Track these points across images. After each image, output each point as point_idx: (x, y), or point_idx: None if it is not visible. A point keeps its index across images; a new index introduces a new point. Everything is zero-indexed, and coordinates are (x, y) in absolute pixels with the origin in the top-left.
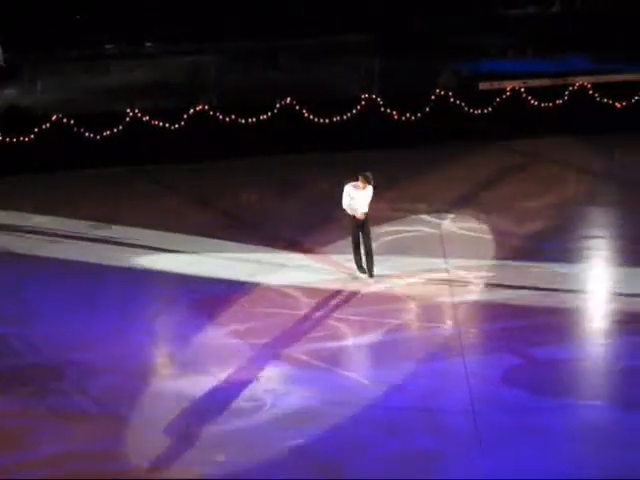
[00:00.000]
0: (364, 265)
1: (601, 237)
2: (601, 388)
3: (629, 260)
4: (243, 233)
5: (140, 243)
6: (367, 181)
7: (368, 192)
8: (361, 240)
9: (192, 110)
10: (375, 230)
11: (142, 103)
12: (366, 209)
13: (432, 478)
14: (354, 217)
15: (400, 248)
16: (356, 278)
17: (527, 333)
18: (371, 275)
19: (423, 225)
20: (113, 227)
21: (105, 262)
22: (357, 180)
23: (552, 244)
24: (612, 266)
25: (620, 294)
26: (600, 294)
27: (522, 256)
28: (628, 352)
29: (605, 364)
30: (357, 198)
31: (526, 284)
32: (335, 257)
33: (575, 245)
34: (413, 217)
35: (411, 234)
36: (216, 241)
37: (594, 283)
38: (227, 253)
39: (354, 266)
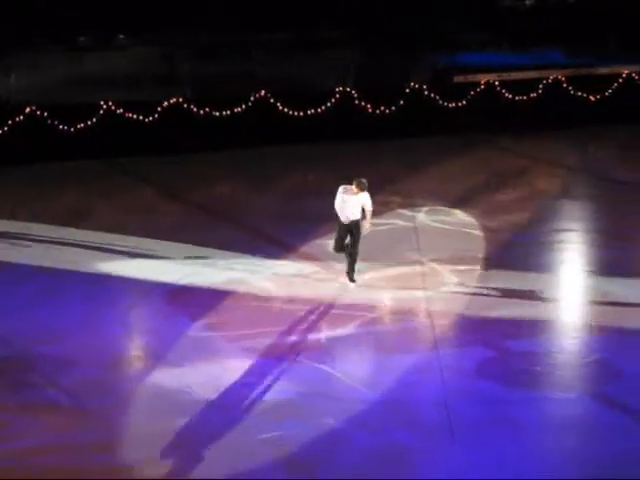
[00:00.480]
0: (347, 268)
1: (574, 230)
2: (573, 381)
3: (602, 253)
4: (218, 227)
5: (109, 247)
6: (361, 187)
7: (360, 198)
8: (347, 243)
9: (166, 103)
10: None
11: (116, 95)
12: (357, 216)
13: (406, 471)
14: (343, 222)
15: (374, 241)
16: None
17: (501, 325)
18: (352, 280)
19: (397, 218)
20: (82, 229)
21: (72, 267)
22: (351, 184)
23: (525, 237)
24: (585, 259)
25: (593, 287)
26: (573, 287)
27: (495, 249)
28: (600, 345)
29: (577, 357)
30: (349, 202)
31: (499, 277)
32: (310, 250)
33: (548, 238)
34: (387, 210)
35: (385, 227)
36: (189, 239)
37: (567, 276)
38: (198, 248)
39: (328, 258)
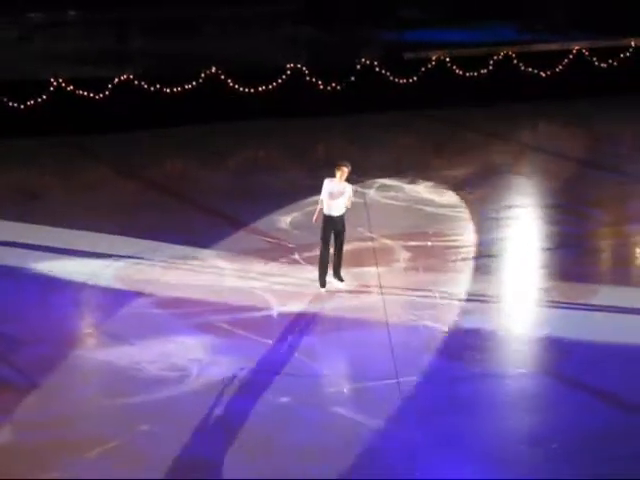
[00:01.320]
0: (329, 270)
1: (525, 206)
2: (525, 357)
3: (553, 229)
4: (169, 204)
5: (59, 226)
6: (344, 171)
7: (345, 188)
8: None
9: (117, 79)
10: (300, 201)
11: (66, 72)
12: (343, 210)
13: (356, 447)
14: (329, 216)
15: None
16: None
17: (452, 301)
18: (340, 279)
19: None
20: (33, 207)
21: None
22: (337, 171)
23: (475, 212)
24: (536, 234)
25: (543, 262)
26: (524, 261)
27: (445, 224)
28: (551, 322)
29: (528, 333)
30: (335, 193)
31: (450, 253)
32: (262, 227)
33: (499, 214)
34: None
35: None
36: (141, 217)
37: (518, 252)
38: (151, 226)
39: (280, 235)
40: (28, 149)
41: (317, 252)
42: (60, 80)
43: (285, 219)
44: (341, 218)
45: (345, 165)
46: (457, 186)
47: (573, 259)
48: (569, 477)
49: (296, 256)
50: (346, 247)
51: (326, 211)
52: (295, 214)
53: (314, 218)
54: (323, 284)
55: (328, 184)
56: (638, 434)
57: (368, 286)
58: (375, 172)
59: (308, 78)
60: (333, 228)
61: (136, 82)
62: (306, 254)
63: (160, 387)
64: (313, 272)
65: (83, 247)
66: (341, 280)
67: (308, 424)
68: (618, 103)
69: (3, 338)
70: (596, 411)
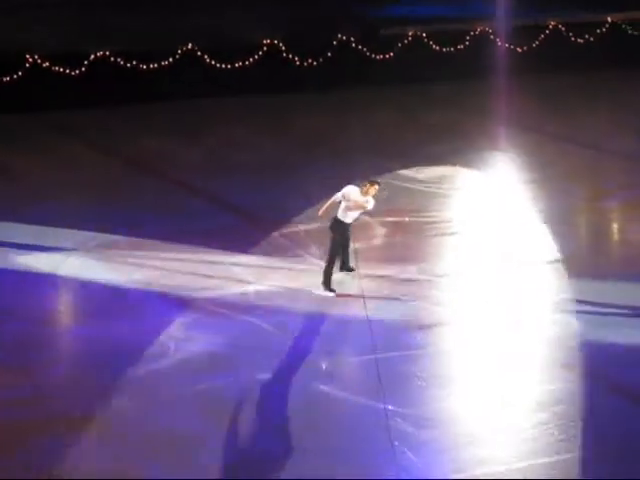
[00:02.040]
0: (336, 270)
1: (502, 181)
2: (493, 328)
3: (532, 204)
4: (146, 180)
5: (36, 202)
6: (374, 188)
7: (367, 201)
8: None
9: (93, 56)
10: (278, 178)
11: (42, 48)
12: (351, 219)
13: (333, 421)
14: (341, 221)
15: (300, 194)
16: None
17: (428, 277)
18: (351, 269)
19: (328, 170)
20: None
21: None
22: (370, 185)
23: (454, 189)
24: (513, 209)
25: (521, 238)
26: (501, 237)
27: (423, 200)
28: (523, 296)
29: (503, 307)
30: (355, 204)
31: (428, 228)
32: (239, 203)
33: (477, 189)
34: (317, 162)
35: (310, 180)
36: (119, 193)
37: (494, 226)
38: (128, 202)
39: (257, 212)
40: (3, 126)
41: (295, 228)
42: (36, 56)
43: (263, 196)
44: (345, 224)
45: (378, 185)
46: (436, 162)
47: (550, 234)
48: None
49: (274, 233)
50: (325, 223)
51: (340, 216)
52: (273, 191)
53: (321, 211)
54: (326, 286)
55: (351, 191)
56: None
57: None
58: (353, 148)
59: (285, 54)
60: (332, 230)
61: (112, 59)
62: (283, 230)
63: (138, 363)
64: (290, 249)
65: (59, 225)
66: (332, 290)
67: (285, 399)
68: (594, 78)
69: None
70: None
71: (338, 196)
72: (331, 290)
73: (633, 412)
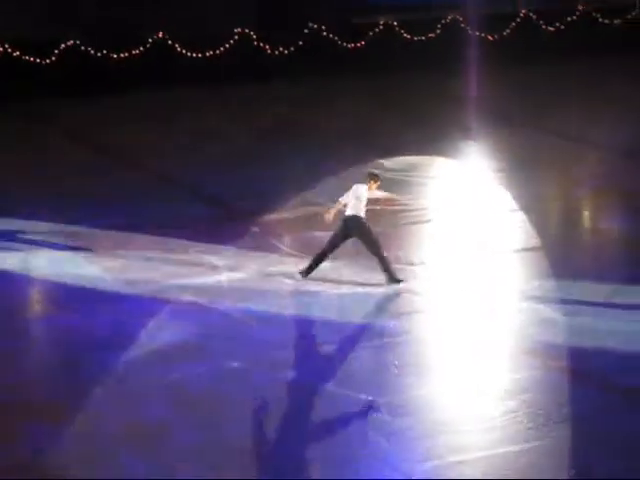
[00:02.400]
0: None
1: (472, 170)
2: (465, 317)
3: (499, 191)
4: (114, 169)
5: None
6: (376, 180)
7: (376, 194)
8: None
9: (63, 45)
10: (246, 167)
11: (12, 37)
12: (363, 213)
13: (305, 408)
14: (351, 216)
15: (272, 183)
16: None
17: (399, 265)
18: (397, 280)
19: (298, 160)
20: None
21: None
22: (372, 181)
23: (421, 176)
24: (484, 197)
25: (491, 226)
26: (472, 225)
27: (394, 190)
28: (494, 286)
29: (471, 295)
30: (363, 198)
31: (399, 216)
32: (209, 191)
33: (445, 178)
34: (286, 153)
35: (285, 169)
36: (93, 182)
37: (465, 214)
38: (102, 190)
39: (227, 201)
40: None
41: (263, 215)
42: (6, 45)
43: (235, 186)
44: (362, 220)
45: (379, 178)
46: (405, 151)
47: (521, 223)
48: None
49: (246, 222)
50: (295, 213)
51: (349, 212)
52: (246, 181)
53: (330, 216)
54: (304, 273)
55: (358, 189)
56: None
57: (317, 251)
58: (324, 137)
59: (256, 43)
60: (352, 231)
61: (83, 47)
62: (256, 220)
63: (110, 353)
64: (260, 238)
65: (29, 215)
66: (398, 281)
67: (257, 388)
68: (565, 66)
69: None
70: None
71: (348, 197)
72: (304, 274)
73: (601, 399)
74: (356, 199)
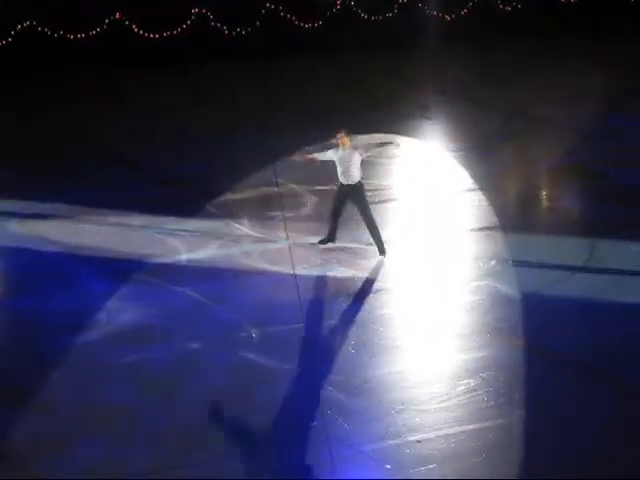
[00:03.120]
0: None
1: (434, 149)
2: (425, 294)
3: (461, 170)
4: (71, 150)
5: None
6: (345, 139)
7: (353, 156)
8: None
9: (19, 26)
10: (206, 147)
11: None
12: (358, 178)
13: (266, 390)
14: (346, 185)
15: (230, 164)
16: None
17: (359, 245)
18: (382, 252)
19: (255, 142)
20: None
21: None
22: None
23: (382, 156)
24: (446, 177)
25: (455, 205)
26: (434, 205)
27: None
28: (462, 262)
29: (435, 275)
30: (350, 160)
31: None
32: (165, 172)
33: (406, 158)
34: (242, 135)
35: (238, 151)
36: (51, 162)
37: (427, 194)
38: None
39: (186, 181)
40: None
41: (226, 197)
42: None
43: (190, 167)
44: (358, 186)
45: (345, 134)
46: (366, 131)
47: (479, 202)
48: None
49: (204, 203)
50: (255, 192)
51: (343, 181)
52: (201, 162)
53: (306, 158)
54: (323, 241)
55: (334, 154)
56: None
57: (275, 231)
58: (282, 118)
59: (213, 23)
60: (349, 197)
61: (39, 28)
62: (213, 201)
63: (69, 335)
64: (221, 219)
65: None
66: (383, 253)
67: (218, 369)
68: (522, 46)
69: None
70: None
71: (325, 157)
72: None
73: (561, 377)
74: (340, 165)
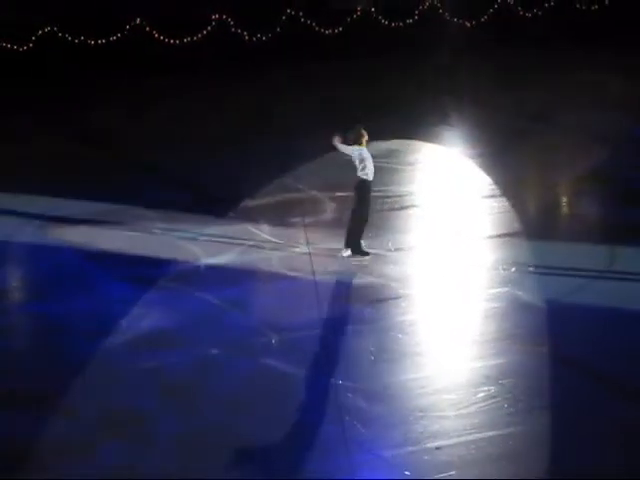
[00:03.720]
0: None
1: (450, 156)
2: (444, 303)
3: (479, 177)
4: (93, 156)
5: None
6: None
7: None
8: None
9: (40, 31)
10: (225, 154)
11: None
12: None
13: (281, 396)
14: (369, 181)
15: (251, 170)
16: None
17: (378, 251)
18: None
19: (276, 148)
20: None
21: None
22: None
23: (401, 163)
24: (462, 184)
25: (470, 212)
26: (451, 211)
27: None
28: (474, 271)
29: (454, 282)
30: (369, 159)
31: (378, 202)
32: (185, 177)
33: (426, 164)
34: (264, 142)
35: (258, 155)
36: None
37: (444, 200)
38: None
39: (207, 187)
40: None
41: (246, 202)
42: None
43: (210, 172)
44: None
45: (365, 131)
46: (384, 136)
47: (498, 208)
48: None
49: (223, 208)
50: (275, 198)
51: (370, 177)
52: (221, 167)
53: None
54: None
55: (356, 151)
56: None
57: (296, 237)
58: (300, 123)
59: (234, 29)
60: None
61: (60, 34)
62: (233, 206)
63: (89, 340)
64: (241, 224)
65: (9, 200)
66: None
67: (237, 376)
68: (543, 52)
69: None
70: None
71: (348, 150)
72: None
73: (583, 385)
74: (368, 161)
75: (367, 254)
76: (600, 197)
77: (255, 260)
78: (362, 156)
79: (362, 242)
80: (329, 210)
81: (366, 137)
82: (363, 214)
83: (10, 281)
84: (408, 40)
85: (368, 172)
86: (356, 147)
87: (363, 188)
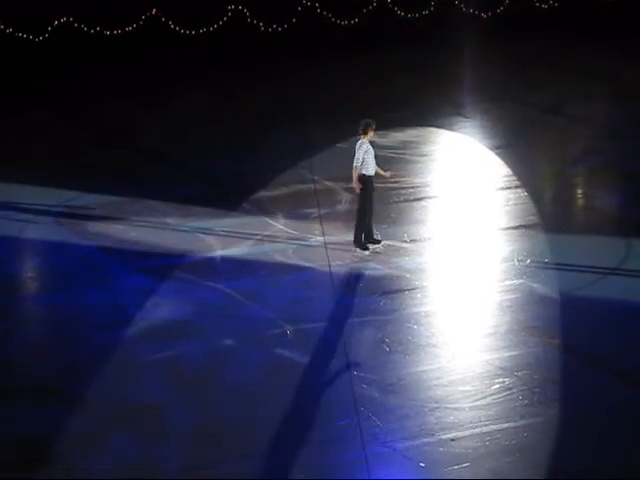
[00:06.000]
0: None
1: (468, 147)
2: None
3: (496, 170)
4: (111, 148)
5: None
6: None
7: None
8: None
9: (56, 22)
10: (240, 147)
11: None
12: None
13: (294, 386)
14: (370, 176)
15: (265, 161)
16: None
17: (393, 242)
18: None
19: (290, 138)
20: None
21: None
22: (365, 133)
23: (417, 154)
24: (480, 176)
25: (487, 204)
26: (467, 203)
27: (387, 167)
28: (487, 263)
29: (469, 273)
30: (372, 153)
31: (392, 194)
32: (200, 169)
33: (439, 155)
34: (279, 131)
35: (273, 146)
36: (83, 160)
37: (461, 192)
38: (89, 169)
39: (222, 179)
40: None
41: (261, 194)
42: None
43: (225, 163)
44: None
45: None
46: (397, 128)
47: (516, 200)
48: None
49: (238, 200)
50: (289, 189)
51: (371, 172)
52: (236, 158)
53: (355, 181)
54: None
55: (365, 145)
56: None
57: (311, 228)
58: (316, 114)
59: (249, 20)
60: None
61: (76, 25)
62: (247, 197)
63: (105, 330)
64: (256, 215)
65: (24, 192)
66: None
67: (252, 366)
68: (558, 44)
69: None
70: None
71: (362, 156)
72: (365, 248)
73: (597, 378)
74: (370, 156)
75: (367, 249)
76: (617, 191)
77: (270, 251)
78: (362, 147)
79: (375, 233)
80: (344, 201)
81: (372, 131)
82: (367, 208)
83: (26, 273)
84: (424, 31)
85: (368, 167)
86: (361, 138)
87: (364, 183)
